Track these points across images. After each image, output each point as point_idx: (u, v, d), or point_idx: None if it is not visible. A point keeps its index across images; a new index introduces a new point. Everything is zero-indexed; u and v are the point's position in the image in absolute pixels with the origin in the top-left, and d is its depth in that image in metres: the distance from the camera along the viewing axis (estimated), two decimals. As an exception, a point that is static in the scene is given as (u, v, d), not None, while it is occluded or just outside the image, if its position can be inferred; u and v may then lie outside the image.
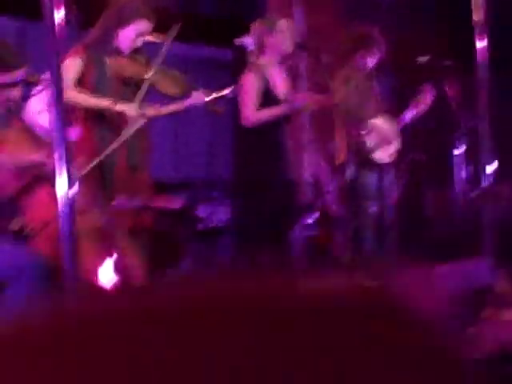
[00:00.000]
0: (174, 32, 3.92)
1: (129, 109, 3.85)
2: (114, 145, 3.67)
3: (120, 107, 3.86)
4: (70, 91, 3.87)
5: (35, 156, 3.26)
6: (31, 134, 3.38)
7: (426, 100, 4.88)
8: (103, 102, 3.88)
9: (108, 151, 3.65)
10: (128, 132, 3.74)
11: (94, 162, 3.60)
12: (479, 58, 4.70)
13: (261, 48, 4.54)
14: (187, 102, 4.13)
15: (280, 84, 4.56)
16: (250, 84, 4.44)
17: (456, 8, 6.18)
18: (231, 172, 6.62)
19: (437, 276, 3.63)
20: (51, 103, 2.43)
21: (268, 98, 4.46)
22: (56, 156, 2.37)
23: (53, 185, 3.13)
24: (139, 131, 4.06)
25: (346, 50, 4.86)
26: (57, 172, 2.40)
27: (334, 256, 6.00)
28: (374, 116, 4.88)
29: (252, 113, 4.40)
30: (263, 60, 4.52)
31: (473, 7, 4.63)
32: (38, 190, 3.29)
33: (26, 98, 3.78)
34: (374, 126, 4.80)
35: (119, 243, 3.34)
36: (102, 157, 3.63)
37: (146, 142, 5.27)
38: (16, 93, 3.25)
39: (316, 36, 6.75)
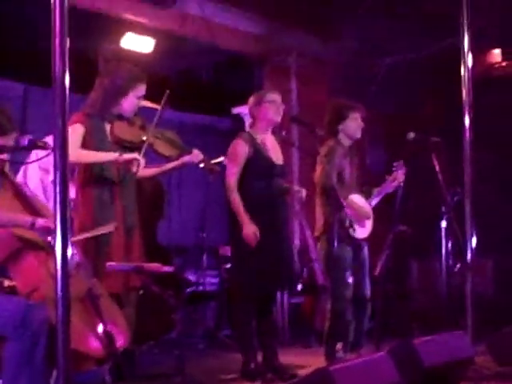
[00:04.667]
0: (165, 98, 4.10)
1: (136, 156, 4.00)
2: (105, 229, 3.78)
3: (127, 156, 4.02)
4: (77, 151, 4.00)
5: (27, 217, 3.13)
6: (23, 197, 3.33)
7: (398, 177, 5.01)
8: (111, 155, 4.03)
9: (99, 231, 3.78)
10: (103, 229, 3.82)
11: (86, 235, 3.74)
12: (465, 135, 4.87)
13: (252, 118, 4.73)
14: (186, 159, 4.26)
15: (271, 149, 4.71)
16: (237, 151, 4.61)
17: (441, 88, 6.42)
18: (223, 239, 6.71)
19: (417, 348, 3.70)
20: (55, 165, 2.44)
21: (262, 161, 4.60)
22: (57, 217, 2.37)
23: (41, 248, 3.16)
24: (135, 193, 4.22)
25: (331, 120, 4.96)
26: (58, 232, 2.37)
27: (315, 327, 6.03)
28: (353, 192, 4.94)
29: (233, 181, 4.54)
30: (254, 129, 4.70)
31: (463, 88, 4.83)
32: (25, 255, 3.21)
33: (17, 162, 3.86)
34: (352, 202, 4.86)
35: (104, 308, 3.27)
36: (92, 233, 3.76)
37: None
38: (4, 157, 3.21)
39: (311, 111, 6.96)
